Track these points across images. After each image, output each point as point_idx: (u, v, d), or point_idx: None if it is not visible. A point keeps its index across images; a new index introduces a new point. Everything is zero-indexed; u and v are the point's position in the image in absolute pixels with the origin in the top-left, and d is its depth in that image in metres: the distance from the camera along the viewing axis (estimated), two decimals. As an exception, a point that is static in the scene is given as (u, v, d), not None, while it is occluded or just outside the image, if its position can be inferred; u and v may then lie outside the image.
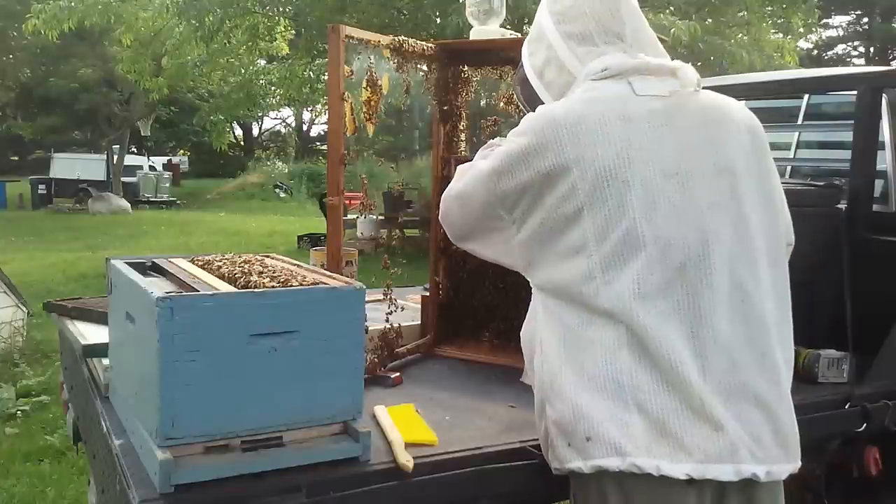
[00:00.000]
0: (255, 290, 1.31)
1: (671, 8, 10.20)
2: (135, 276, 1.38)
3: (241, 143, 36.06)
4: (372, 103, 1.93)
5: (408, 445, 1.42)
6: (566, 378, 1.29)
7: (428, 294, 2.25)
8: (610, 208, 1.26)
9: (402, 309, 2.18)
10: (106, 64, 20.60)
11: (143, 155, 27.75)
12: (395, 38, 1.96)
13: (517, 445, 1.50)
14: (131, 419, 1.37)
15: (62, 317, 2.01)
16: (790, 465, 1.29)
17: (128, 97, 22.74)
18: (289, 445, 1.29)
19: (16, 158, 32.15)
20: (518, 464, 1.45)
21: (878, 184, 2.59)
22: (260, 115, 29.24)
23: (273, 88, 13.98)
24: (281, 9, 12.18)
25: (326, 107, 2.09)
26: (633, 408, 1.23)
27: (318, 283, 1.37)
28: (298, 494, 1.24)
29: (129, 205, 20.23)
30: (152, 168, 25.94)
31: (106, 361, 1.62)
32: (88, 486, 2.34)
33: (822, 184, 2.57)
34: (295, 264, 1.60)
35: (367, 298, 1.38)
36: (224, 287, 1.37)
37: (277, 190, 24.57)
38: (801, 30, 12.77)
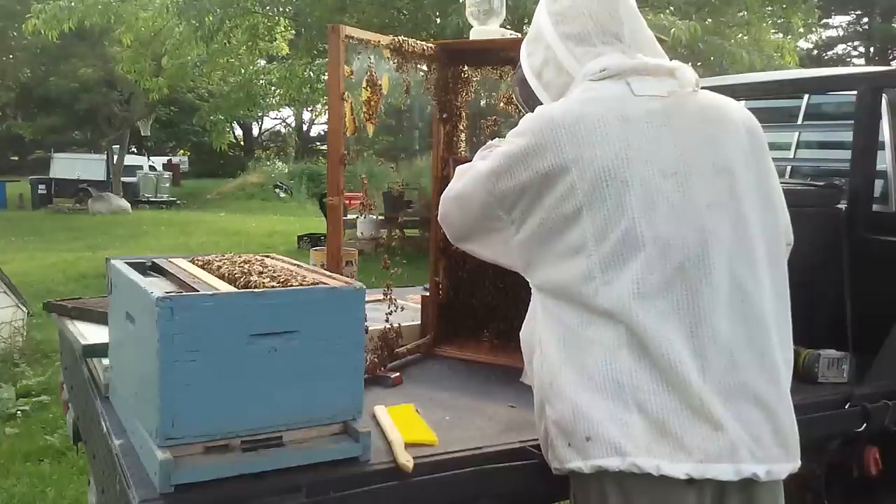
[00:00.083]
0: (255, 290, 1.31)
1: (671, 8, 10.20)
2: (135, 276, 1.38)
3: (241, 143, 36.07)
4: (372, 103, 1.93)
5: (408, 445, 1.42)
6: (566, 378, 1.29)
7: (428, 294, 2.25)
8: (609, 208, 1.26)
9: (402, 309, 2.18)
10: (106, 64, 20.62)
11: (143, 155, 27.76)
12: (395, 38, 1.96)
13: (517, 445, 1.50)
14: (131, 419, 1.37)
15: (62, 317, 2.01)
16: (790, 464, 1.29)
17: (128, 97, 22.75)
18: (289, 445, 1.29)
19: (16, 158, 32.16)
20: (518, 464, 1.45)
21: (878, 184, 2.59)
22: (260, 115, 29.26)
23: (273, 88, 13.99)
24: (281, 9, 12.18)
25: (326, 107, 2.09)
26: (632, 407, 1.23)
27: (318, 283, 1.37)
28: (298, 494, 1.24)
29: (129, 205, 20.23)
30: (152, 168, 25.95)
31: (106, 361, 1.63)
32: (88, 486, 2.34)
33: (822, 184, 2.57)
34: (295, 264, 1.60)
35: (367, 298, 1.38)
36: (224, 287, 1.37)
37: (277, 190, 24.57)
38: (801, 30, 12.76)
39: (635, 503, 1.24)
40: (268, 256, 1.68)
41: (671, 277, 1.25)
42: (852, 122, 2.40)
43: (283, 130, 39.74)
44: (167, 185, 24.19)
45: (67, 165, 22.72)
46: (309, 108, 29.22)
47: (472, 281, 2.19)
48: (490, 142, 1.67)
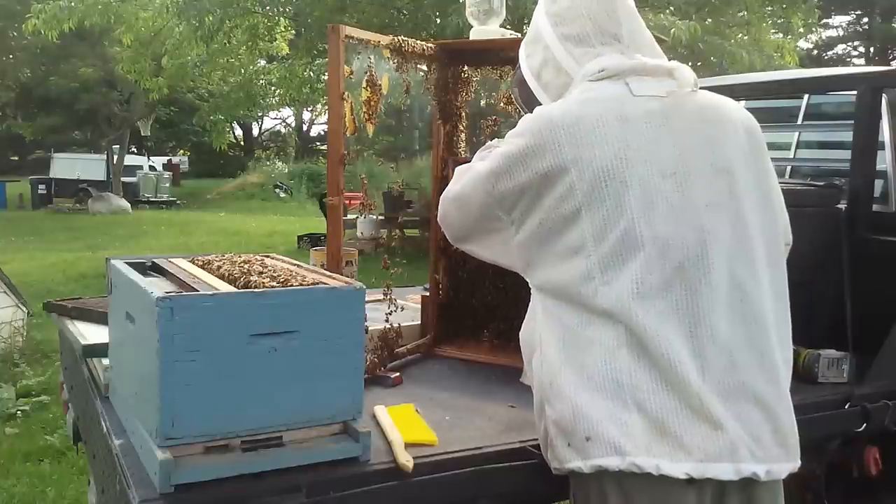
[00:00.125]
0: (255, 290, 1.31)
1: (671, 8, 10.20)
2: (135, 276, 1.38)
3: (241, 143, 36.08)
4: (372, 103, 1.93)
5: (408, 445, 1.42)
6: (565, 378, 1.29)
7: (428, 294, 2.25)
8: (608, 208, 1.26)
9: (402, 309, 2.18)
10: (106, 64, 20.63)
11: (143, 155, 27.76)
12: (395, 38, 1.96)
13: (517, 445, 1.50)
14: (131, 419, 1.37)
15: (62, 317, 2.01)
16: (790, 464, 1.29)
17: (128, 97, 22.75)
18: (289, 445, 1.29)
19: (16, 158, 32.16)
20: (518, 464, 1.45)
21: (878, 184, 2.59)
22: (260, 115, 29.27)
23: (273, 88, 13.99)
24: (281, 9, 12.17)
25: (326, 107, 2.09)
26: (632, 407, 1.23)
27: (318, 283, 1.37)
28: (298, 494, 1.24)
29: (129, 205, 20.23)
30: (152, 168, 25.96)
31: (106, 361, 1.63)
32: (88, 486, 2.34)
33: (822, 184, 2.57)
34: (295, 264, 1.60)
35: (367, 298, 1.38)
36: (224, 287, 1.37)
37: (277, 190, 24.57)
38: (801, 30, 12.76)
39: (635, 503, 1.24)
40: (268, 256, 1.68)
41: (670, 277, 1.25)
42: (852, 122, 2.40)
43: (283, 130, 39.81)
44: (167, 185, 24.19)
45: (67, 165, 22.73)
46: (309, 108, 29.25)
47: (472, 281, 2.19)
48: (489, 142, 1.67)
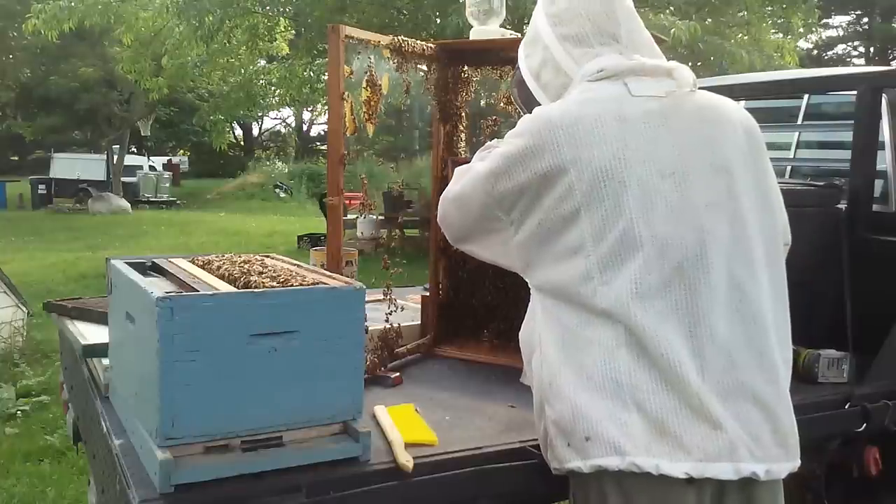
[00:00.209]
0: (255, 290, 1.31)
1: (671, 8, 10.20)
2: (135, 276, 1.38)
3: (241, 143, 36.08)
4: (372, 103, 1.93)
5: (408, 445, 1.42)
6: (565, 378, 1.29)
7: (428, 294, 2.25)
8: (607, 209, 1.26)
9: (402, 309, 2.18)
10: (106, 64, 20.64)
11: (143, 155, 27.75)
12: (395, 38, 1.96)
13: (517, 445, 1.50)
14: (131, 419, 1.37)
15: (62, 317, 2.01)
16: (790, 463, 1.29)
17: (128, 97, 22.76)
18: (289, 445, 1.29)
19: (16, 158, 32.16)
20: (518, 464, 1.45)
21: (878, 184, 2.59)
22: (260, 115, 29.29)
23: (273, 88, 13.99)
24: (281, 9, 12.18)
25: (326, 107, 2.09)
26: (631, 407, 1.23)
27: (318, 283, 1.37)
28: (298, 494, 1.24)
29: (129, 205, 20.23)
30: (152, 168, 25.95)
31: (106, 361, 1.63)
32: (88, 486, 2.34)
33: (822, 184, 2.57)
34: (295, 264, 1.60)
35: (367, 298, 1.38)
36: (224, 287, 1.37)
37: (277, 190, 24.57)
38: (801, 30, 12.76)
39: (635, 502, 1.24)
40: (268, 256, 1.68)
41: (669, 277, 1.25)
42: (852, 122, 2.40)
43: (283, 130, 39.82)
44: (167, 185, 24.19)
45: (67, 165, 22.73)
46: (309, 108, 29.24)
47: (472, 281, 2.19)
48: (489, 143, 1.67)
